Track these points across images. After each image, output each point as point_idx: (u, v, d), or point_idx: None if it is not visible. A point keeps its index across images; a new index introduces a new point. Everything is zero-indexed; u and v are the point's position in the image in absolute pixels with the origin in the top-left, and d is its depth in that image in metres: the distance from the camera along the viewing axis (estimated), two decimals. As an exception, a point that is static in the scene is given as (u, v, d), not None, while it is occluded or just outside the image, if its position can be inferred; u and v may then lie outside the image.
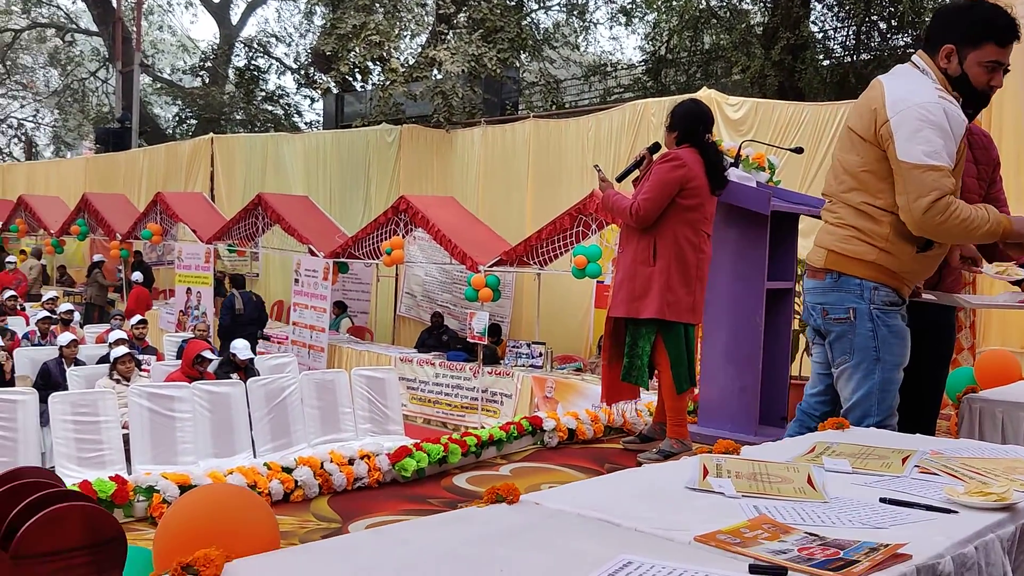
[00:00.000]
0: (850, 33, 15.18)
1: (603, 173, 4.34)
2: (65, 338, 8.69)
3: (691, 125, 4.15)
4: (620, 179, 4.27)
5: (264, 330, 11.81)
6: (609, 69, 19.78)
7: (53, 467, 6.25)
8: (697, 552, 1.57)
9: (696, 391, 4.70)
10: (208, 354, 7.87)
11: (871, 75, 13.40)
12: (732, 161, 4.84)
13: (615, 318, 4.27)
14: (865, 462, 2.30)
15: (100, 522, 1.00)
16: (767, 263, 4.58)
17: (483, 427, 4.88)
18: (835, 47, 15.59)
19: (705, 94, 10.25)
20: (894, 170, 2.87)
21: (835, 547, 1.60)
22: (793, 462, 2.28)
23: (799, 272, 5.29)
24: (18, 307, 12.52)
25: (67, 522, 0.98)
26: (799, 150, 5.80)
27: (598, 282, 10.55)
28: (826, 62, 14.82)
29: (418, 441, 3.97)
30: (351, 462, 3.67)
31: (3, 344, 8.63)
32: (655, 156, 4.20)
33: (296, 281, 12.30)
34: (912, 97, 2.86)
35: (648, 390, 4.28)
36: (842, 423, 2.82)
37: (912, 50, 13.20)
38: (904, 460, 2.31)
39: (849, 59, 14.70)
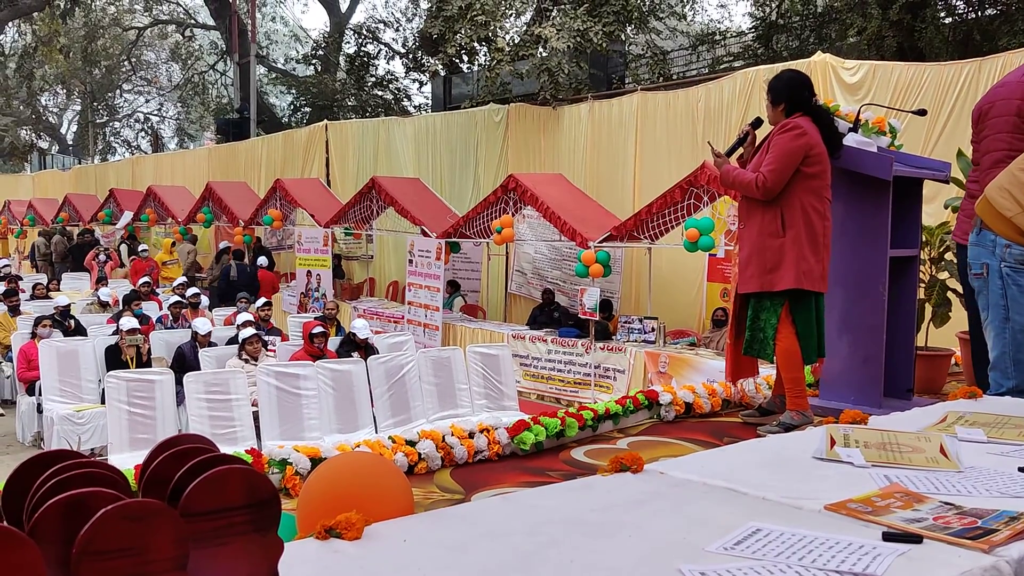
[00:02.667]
0: (975, -13, 14.39)
1: (717, 149, 4.27)
2: (203, 326, 9.08)
3: (798, 93, 4.05)
4: (726, 156, 4.20)
5: (255, 296, 13.04)
6: (718, 38, 19.33)
7: (190, 442, 6.60)
8: (828, 520, 1.56)
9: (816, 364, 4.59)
10: (320, 329, 8.16)
11: (997, 31, 12.79)
12: (851, 126, 4.69)
13: (742, 295, 4.20)
14: (1001, 431, 2.23)
15: (258, 484, 1.07)
16: (890, 230, 4.42)
17: (597, 402, 4.90)
18: (958, 3, 14.80)
19: (820, 58, 9.92)
20: None
21: (972, 516, 1.56)
22: (924, 432, 2.23)
23: (924, 239, 5.10)
24: (152, 292, 13.19)
25: (228, 483, 1.05)
26: (922, 112, 5.55)
27: (711, 255, 10.40)
28: (948, 19, 14.10)
29: (535, 415, 4.02)
30: (471, 435, 3.75)
31: (139, 328, 9.11)
32: (765, 131, 4.11)
33: (410, 262, 12.56)
34: None
35: (771, 363, 4.21)
36: (975, 392, 2.73)
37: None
38: (1044, 429, 2.23)
39: (973, 15, 13.95)
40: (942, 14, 14.10)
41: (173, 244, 16.77)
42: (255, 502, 1.08)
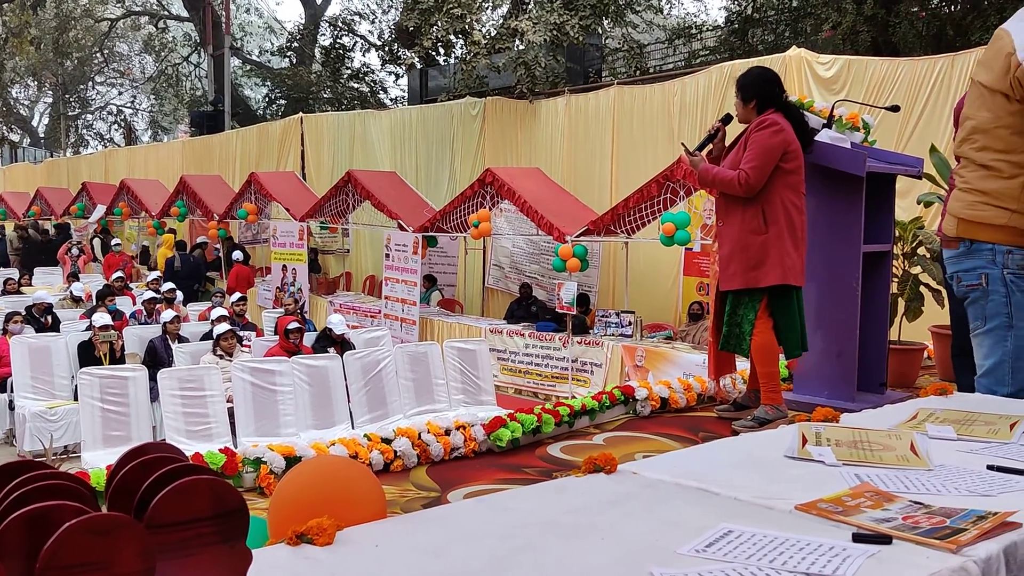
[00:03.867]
0: (948, -18, 14.52)
1: (691, 148, 4.27)
2: (168, 315, 9.05)
3: (768, 89, 4.07)
4: (694, 153, 4.20)
5: (200, 284, 13.56)
6: (694, 31, 19.37)
7: (164, 439, 6.56)
8: (798, 520, 1.56)
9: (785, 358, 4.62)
10: (295, 325, 8.14)
11: (970, 27, 12.90)
12: (825, 122, 4.71)
13: (723, 292, 4.21)
14: (971, 428, 2.25)
15: (225, 494, 1.06)
16: (863, 225, 4.46)
17: (574, 397, 4.91)
18: (932, -2, 14.93)
19: (794, 53, 9.97)
20: None
21: (941, 515, 1.57)
22: (895, 429, 2.25)
23: (896, 234, 5.14)
24: (125, 287, 13.07)
25: (195, 493, 1.04)
26: (895, 108, 5.60)
27: (687, 249, 10.44)
28: (922, 14, 14.22)
29: (512, 411, 4.02)
30: (447, 432, 3.75)
31: (112, 323, 9.03)
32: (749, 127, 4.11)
33: (387, 256, 12.52)
34: None
35: (746, 358, 4.23)
36: (946, 388, 2.76)
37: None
38: (1012, 426, 2.25)
39: (947, 10, 14.07)
40: (916, 9, 14.21)
41: (171, 231, 16.56)
42: (222, 512, 1.07)
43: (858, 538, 1.47)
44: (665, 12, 21.25)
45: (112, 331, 8.76)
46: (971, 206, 2.95)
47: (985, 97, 2.91)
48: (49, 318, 10.34)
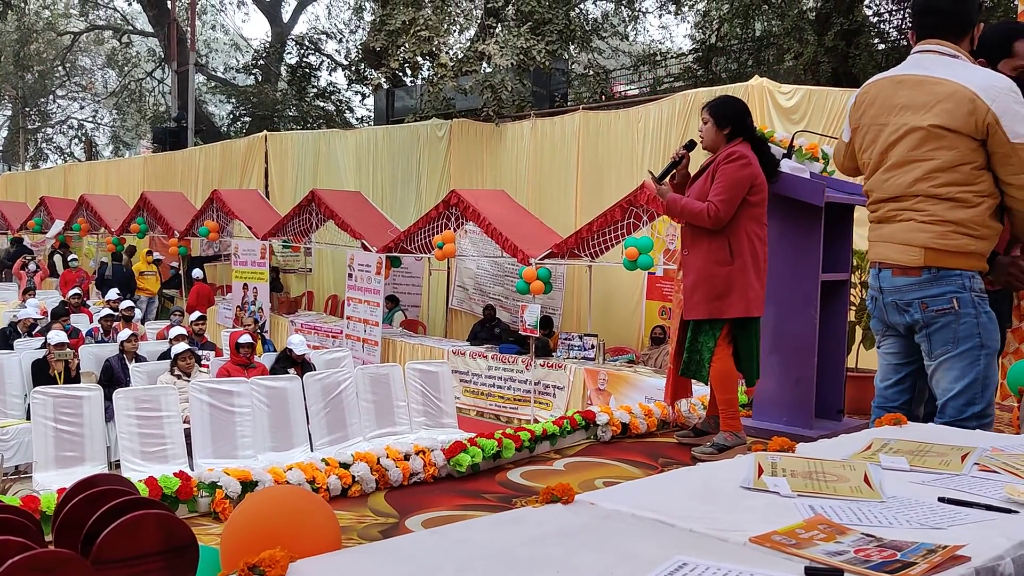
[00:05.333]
0: (905, 16, 14.84)
1: (656, 176, 4.30)
2: (124, 334, 8.93)
3: (744, 119, 4.13)
4: (660, 180, 4.24)
5: (130, 293, 13.81)
6: (659, 58, 19.61)
7: (118, 461, 6.45)
8: (752, 553, 1.57)
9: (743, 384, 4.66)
10: (246, 339, 8.08)
11: (928, 59, 13.16)
12: (785, 152, 4.78)
13: (685, 320, 4.25)
14: (923, 459, 2.28)
15: (174, 529, 1.05)
16: (822, 254, 4.52)
17: (536, 420, 4.92)
18: (890, 31, 15.27)
19: (757, 82, 10.13)
20: (1003, 154, 2.97)
21: (892, 548, 1.59)
22: (850, 459, 2.27)
23: (855, 263, 5.22)
24: (82, 305, 12.86)
25: (143, 529, 1.02)
26: (853, 139, 5.70)
27: (649, 273, 10.52)
28: (881, 46, 14.53)
29: (472, 436, 4.00)
30: (407, 457, 3.72)
31: (68, 342, 8.87)
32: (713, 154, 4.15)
33: (350, 276, 12.46)
34: (993, 81, 3.00)
35: (705, 384, 4.26)
36: (900, 419, 2.79)
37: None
38: (963, 457, 2.28)
39: (905, 43, 14.38)
40: (876, 41, 14.52)
41: (149, 254, 16.32)
42: (171, 548, 1.05)
43: (811, 572, 1.48)
44: (631, 39, 21.49)
45: (68, 349, 8.61)
46: (942, 236, 3.06)
47: (944, 138, 3.02)
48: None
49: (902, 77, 3.21)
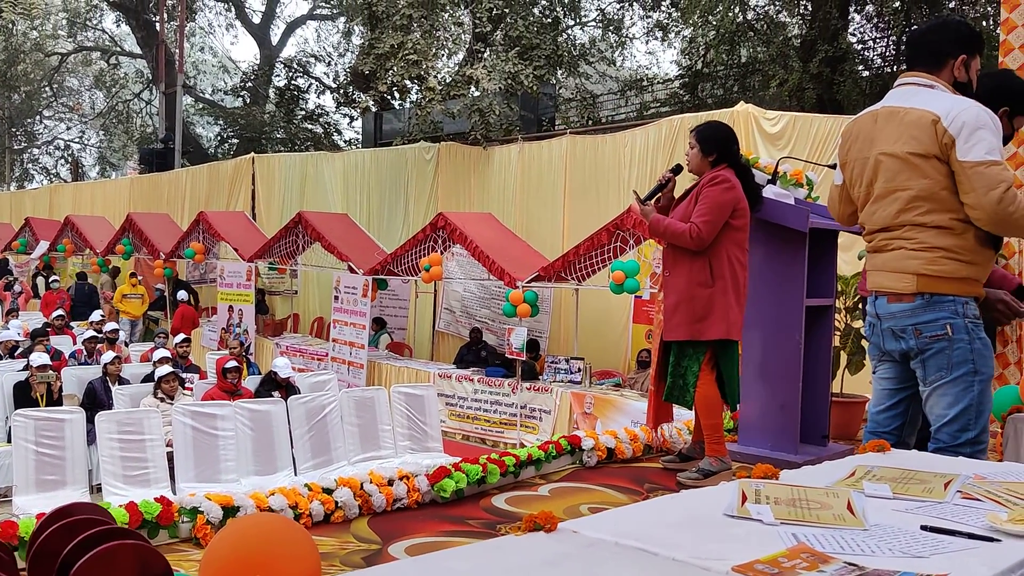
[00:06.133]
0: (889, 43, 15.04)
1: (641, 198, 4.31)
2: (108, 356, 8.86)
3: (728, 146, 4.15)
4: (645, 201, 4.25)
5: (94, 312, 13.58)
6: (645, 84, 19.76)
7: (100, 484, 6.38)
8: (735, 582, 1.57)
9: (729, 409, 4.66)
10: (232, 364, 8.03)
11: (911, 86, 13.32)
12: (769, 178, 4.81)
13: (667, 342, 4.25)
14: (906, 487, 2.28)
15: (149, 559, 1.03)
16: (806, 280, 4.54)
17: (522, 444, 4.91)
18: (874, 58, 15.45)
19: (742, 108, 10.20)
20: (956, 173, 3.00)
21: (875, 577, 1.59)
22: (833, 487, 2.27)
23: (839, 289, 5.25)
24: (65, 327, 12.77)
25: (118, 559, 1.01)
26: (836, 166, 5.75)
27: (636, 297, 10.53)
28: (865, 73, 14.69)
29: (457, 461, 3.98)
30: (391, 483, 3.69)
31: (51, 364, 8.80)
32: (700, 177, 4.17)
33: (336, 298, 12.43)
34: (958, 105, 3.04)
35: (690, 409, 4.26)
36: (883, 445, 2.80)
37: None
38: (946, 485, 2.29)
39: (889, 70, 14.56)
40: (860, 68, 14.67)
41: (133, 275, 16.21)
42: (146, 579, 1.04)
43: (793, 601, 1.48)
44: (618, 64, 21.65)
45: (50, 372, 8.54)
46: (933, 262, 3.09)
47: (918, 166, 3.07)
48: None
49: (878, 111, 3.26)
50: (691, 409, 4.24)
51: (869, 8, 15.11)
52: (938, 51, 3.19)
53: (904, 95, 3.20)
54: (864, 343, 5.53)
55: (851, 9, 14.99)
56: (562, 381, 10.10)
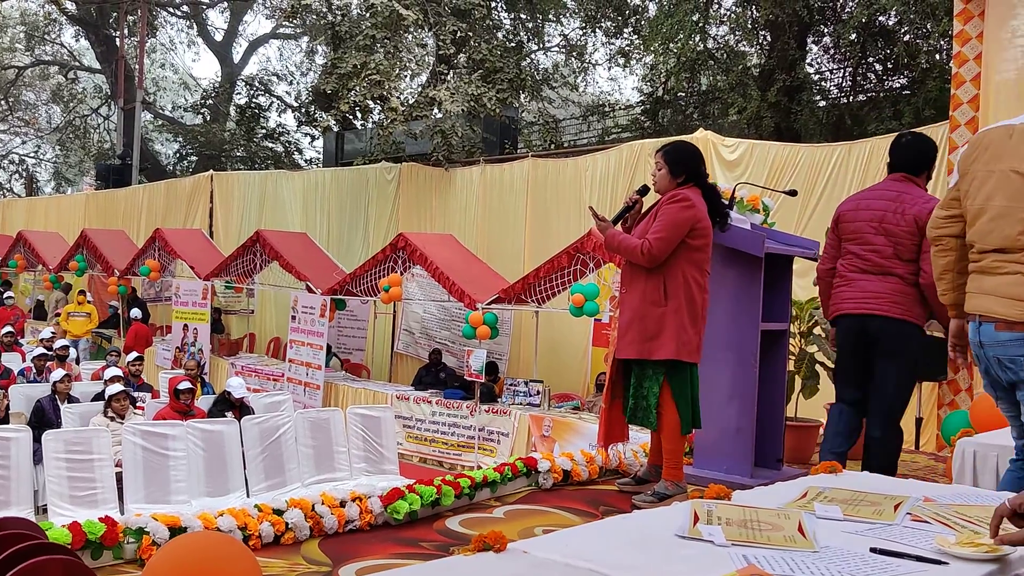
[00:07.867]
0: (845, 75, 15.34)
1: (600, 213, 4.31)
2: (57, 374, 8.68)
3: (696, 166, 4.16)
4: (613, 223, 4.25)
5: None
6: (607, 109, 19.95)
7: (45, 505, 6.21)
8: (685, 603, 1.56)
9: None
10: (186, 385, 7.90)
11: (866, 116, 13.59)
12: (727, 203, 4.86)
13: (620, 360, 4.22)
14: (857, 509, 2.29)
15: (79, 575, 1.00)
16: (762, 304, 4.58)
17: (479, 466, 4.86)
18: (831, 88, 15.75)
19: (701, 135, 10.33)
20: None
21: (824, 598, 1.59)
22: (785, 508, 2.27)
23: (793, 313, 5.30)
24: (15, 343, 12.50)
25: (46, 575, 0.98)
26: (793, 192, 5.84)
27: (596, 320, 10.56)
28: (822, 103, 14.96)
29: (411, 482, 3.94)
30: (342, 504, 3.64)
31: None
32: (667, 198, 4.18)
33: (293, 318, 12.30)
34: None
35: (655, 431, 4.22)
36: (835, 466, 2.81)
37: (907, 91, 13.37)
38: (896, 507, 2.30)
39: (845, 100, 14.84)
40: (817, 98, 14.94)
41: (82, 293, 15.84)
42: (75, 596, 1.00)
43: (742, 622, 1.47)
44: (580, 89, 21.84)
45: (-3, 389, 8.34)
46: (1010, 288, 2.96)
47: None
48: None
49: (1015, 126, 3.07)
50: (655, 431, 4.20)
51: (826, 40, 15.41)
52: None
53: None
54: (817, 368, 5.60)
55: (809, 40, 15.28)
56: (521, 404, 10.07)
